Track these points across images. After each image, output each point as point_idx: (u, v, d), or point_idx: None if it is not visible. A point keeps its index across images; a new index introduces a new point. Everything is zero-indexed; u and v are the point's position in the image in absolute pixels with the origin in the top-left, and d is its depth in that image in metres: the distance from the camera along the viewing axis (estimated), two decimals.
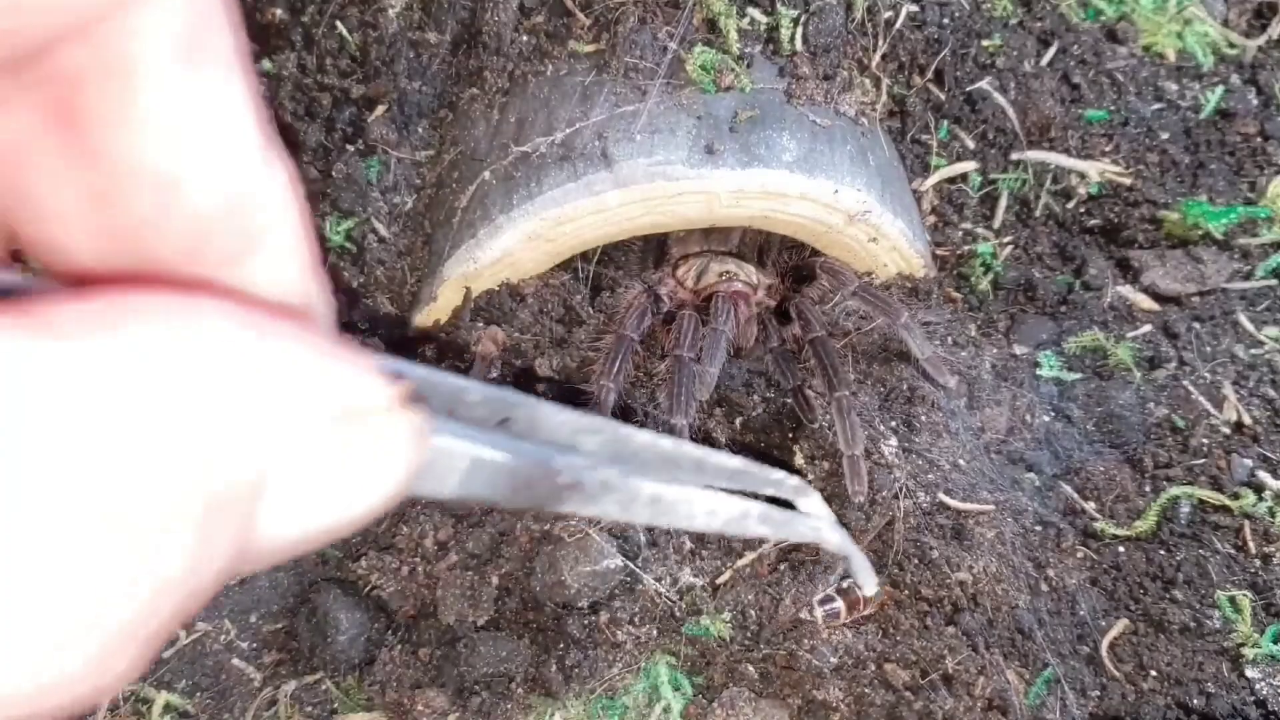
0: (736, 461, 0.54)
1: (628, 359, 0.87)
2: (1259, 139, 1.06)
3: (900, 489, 0.81)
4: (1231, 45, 1.10)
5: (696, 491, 0.49)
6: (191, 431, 0.22)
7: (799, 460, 0.85)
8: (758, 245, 1.07)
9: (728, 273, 1.01)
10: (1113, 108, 1.06)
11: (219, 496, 0.22)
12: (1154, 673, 0.77)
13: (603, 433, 0.44)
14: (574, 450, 0.42)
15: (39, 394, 0.20)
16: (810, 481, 0.83)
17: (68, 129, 0.24)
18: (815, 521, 0.61)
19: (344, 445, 0.26)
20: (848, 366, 0.88)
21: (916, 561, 0.79)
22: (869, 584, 0.68)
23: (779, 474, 0.60)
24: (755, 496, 0.56)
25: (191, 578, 0.22)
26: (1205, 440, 0.88)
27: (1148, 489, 0.86)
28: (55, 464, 0.20)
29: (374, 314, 1.02)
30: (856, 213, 0.89)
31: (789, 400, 0.89)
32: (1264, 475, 0.85)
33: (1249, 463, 0.86)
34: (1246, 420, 0.89)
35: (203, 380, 0.22)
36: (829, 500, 0.80)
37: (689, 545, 0.80)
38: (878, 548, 0.81)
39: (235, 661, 0.83)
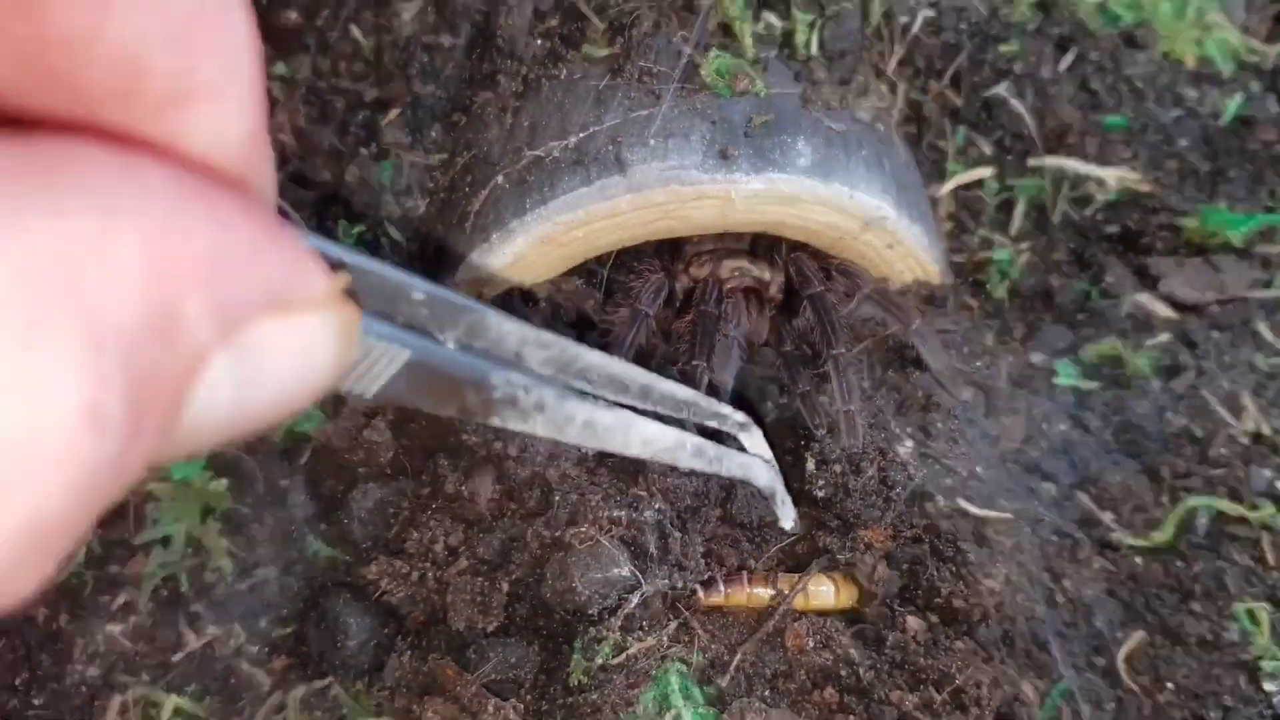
0: (685, 392, 0.55)
1: (641, 334, 0.87)
2: (1279, 146, 1.05)
3: (917, 489, 0.80)
4: (1252, 52, 1.09)
5: (634, 418, 0.49)
6: (130, 310, 0.20)
7: (810, 465, 0.84)
8: (770, 246, 1.07)
9: (740, 268, 1.00)
10: (1131, 114, 1.05)
11: (151, 382, 0.21)
12: (1170, 685, 0.76)
13: (551, 348, 0.43)
14: (516, 364, 0.42)
15: None
16: (822, 486, 0.82)
17: None
18: (746, 459, 0.65)
19: (273, 336, 0.24)
20: (844, 323, 0.89)
21: (941, 565, 0.78)
22: (787, 520, 0.77)
23: (725, 408, 0.62)
24: (697, 429, 0.58)
25: (116, 464, 0.21)
26: (1224, 450, 0.87)
27: (1165, 499, 0.85)
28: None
29: None
30: (872, 218, 0.88)
31: (800, 406, 0.89)
32: None
33: (1268, 473, 0.85)
34: (1265, 431, 0.88)
35: (141, 255, 0.21)
36: (833, 499, 0.80)
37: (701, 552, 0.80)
38: (896, 550, 0.80)
39: (244, 666, 0.83)
